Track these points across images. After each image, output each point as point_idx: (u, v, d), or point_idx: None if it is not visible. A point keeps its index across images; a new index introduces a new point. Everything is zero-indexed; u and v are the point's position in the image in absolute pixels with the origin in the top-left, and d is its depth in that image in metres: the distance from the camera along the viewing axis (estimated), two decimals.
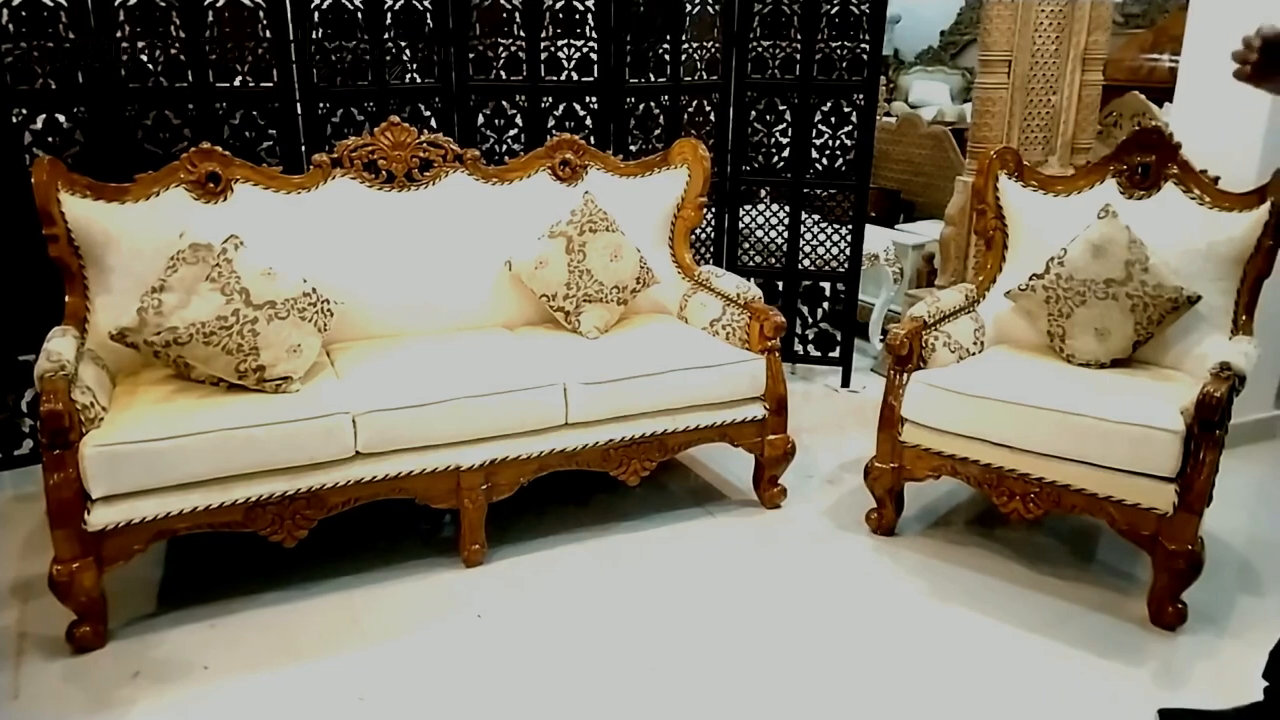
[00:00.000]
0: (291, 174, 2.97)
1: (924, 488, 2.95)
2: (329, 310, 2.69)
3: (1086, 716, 2.16)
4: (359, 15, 3.20)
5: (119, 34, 2.94)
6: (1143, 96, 4.97)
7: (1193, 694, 2.22)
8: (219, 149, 2.82)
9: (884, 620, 2.50)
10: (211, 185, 2.80)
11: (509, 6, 3.41)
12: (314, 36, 3.16)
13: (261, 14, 3.07)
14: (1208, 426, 2.30)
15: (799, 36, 3.75)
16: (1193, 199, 2.80)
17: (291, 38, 3.11)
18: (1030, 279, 2.85)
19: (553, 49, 3.51)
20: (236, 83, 3.14)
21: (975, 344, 2.92)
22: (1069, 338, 2.79)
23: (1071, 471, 2.46)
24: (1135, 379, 2.68)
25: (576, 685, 2.23)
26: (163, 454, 2.28)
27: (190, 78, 3.05)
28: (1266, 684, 1.98)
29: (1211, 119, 3.23)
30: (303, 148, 3.20)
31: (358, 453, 2.48)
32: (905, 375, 2.73)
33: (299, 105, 3.18)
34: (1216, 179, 2.81)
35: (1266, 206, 2.65)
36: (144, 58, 3.02)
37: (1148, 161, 2.86)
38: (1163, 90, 3.43)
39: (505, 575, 2.66)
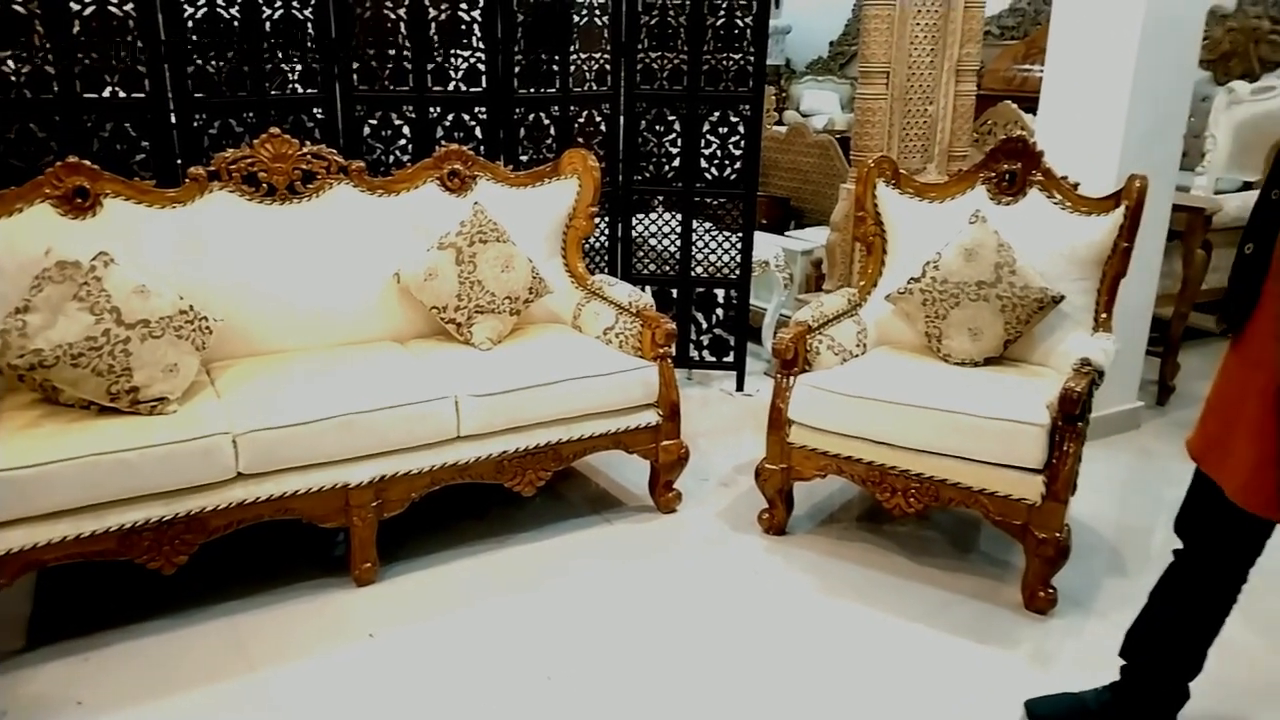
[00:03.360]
0: (166, 188, 2.88)
1: (814, 487, 3.03)
2: (207, 328, 2.61)
3: (964, 699, 2.25)
4: (235, 24, 3.12)
5: None
6: (1014, 106, 5.21)
7: (1062, 674, 2.34)
8: (87, 163, 2.71)
9: (774, 617, 2.56)
10: (79, 200, 2.69)
11: (393, 17, 3.37)
12: (188, 46, 3.06)
13: (131, 23, 2.96)
14: (1070, 419, 2.43)
15: (686, 48, 3.81)
16: (1055, 204, 2.95)
17: (164, 47, 3.01)
18: (908, 283, 2.96)
19: (439, 59, 3.48)
20: (106, 94, 3.02)
21: (858, 346, 3.02)
22: (945, 338, 2.91)
23: (948, 466, 2.57)
24: (1006, 376, 2.81)
25: (473, 701, 2.22)
26: (28, 482, 2.18)
27: (56, 89, 2.92)
28: (1124, 662, 2.10)
29: (1073, 127, 3.42)
30: (178, 161, 3.10)
31: (239, 474, 2.42)
32: (791, 378, 2.80)
33: (173, 116, 3.08)
34: (1077, 184, 2.97)
35: (1121, 210, 2.81)
36: (6, 68, 2.88)
37: (1014, 169, 3.00)
38: (1035, 99, 3.61)
39: (398, 593, 2.63)
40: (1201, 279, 4.09)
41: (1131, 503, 3.30)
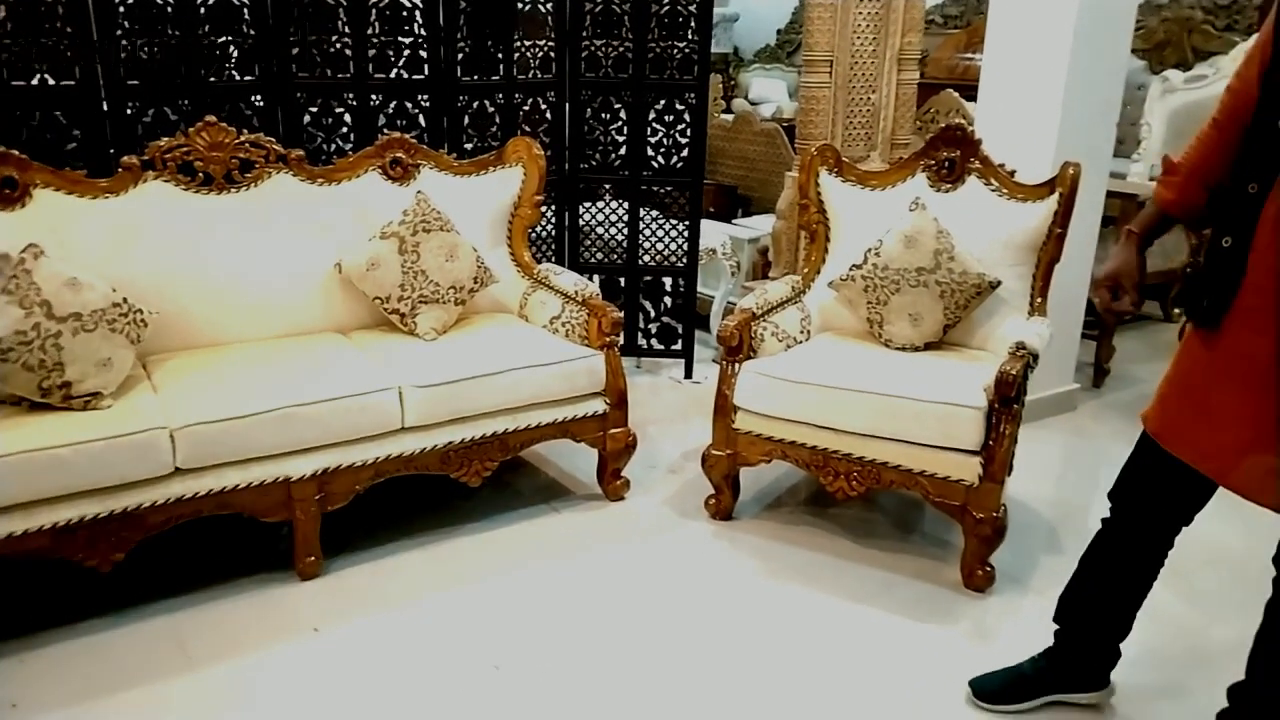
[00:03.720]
0: (99, 178, 2.81)
1: (760, 472, 3.07)
2: (143, 321, 2.56)
3: (906, 677, 2.30)
4: (169, 8, 3.05)
5: None
6: (956, 94, 5.28)
7: (1001, 649, 2.39)
8: (15, 152, 2.64)
9: (721, 602, 2.58)
10: (8, 191, 2.62)
11: (332, 2, 3.32)
12: (119, 31, 2.99)
13: (60, 8, 2.88)
14: (1006, 402, 2.48)
15: (630, 36, 3.81)
16: (993, 190, 3.01)
17: (95, 32, 2.93)
18: (850, 269, 3.00)
19: (380, 45, 3.44)
20: (35, 81, 2.93)
21: (802, 333, 3.05)
22: (886, 324, 2.95)
23: (888, 449, 2.61)
24: (946, 360, 2.86)
25: (420, 694, 2.21)
26: None
27: None
28: (1057, 628, 2.17)
29: (1010, 115, 3.49)
30: (111, 150, 3.03)
31: (177, 469, 2.38)
32: (736, 365, 2.82)
33: (105, 104, 3.01)
34: (1013, 172, 3.03)
35: (1056, 197, 2.88)
36: None
37: (953, 156, 3.05)
38: (977, 87, 3.68)
39: (343, 587, 2.60)
40: None
41: (1067, 482, 3.38)
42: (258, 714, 2.14)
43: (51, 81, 2.95)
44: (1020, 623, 2.51)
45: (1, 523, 2.19)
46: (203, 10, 3.11)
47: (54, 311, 2.38)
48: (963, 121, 3.19)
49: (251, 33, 3.20)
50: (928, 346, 2.94)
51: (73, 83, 2.96)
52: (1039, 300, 2.92)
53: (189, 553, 2.70)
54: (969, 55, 7.06)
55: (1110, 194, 3.84)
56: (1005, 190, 3.00)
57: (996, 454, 2.49)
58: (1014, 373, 2.46)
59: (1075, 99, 3.38)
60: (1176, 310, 5.06)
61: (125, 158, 2.84)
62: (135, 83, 3.06)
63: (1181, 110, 5.37)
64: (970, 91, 5.29)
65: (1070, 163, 2.88)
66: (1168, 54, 6.65)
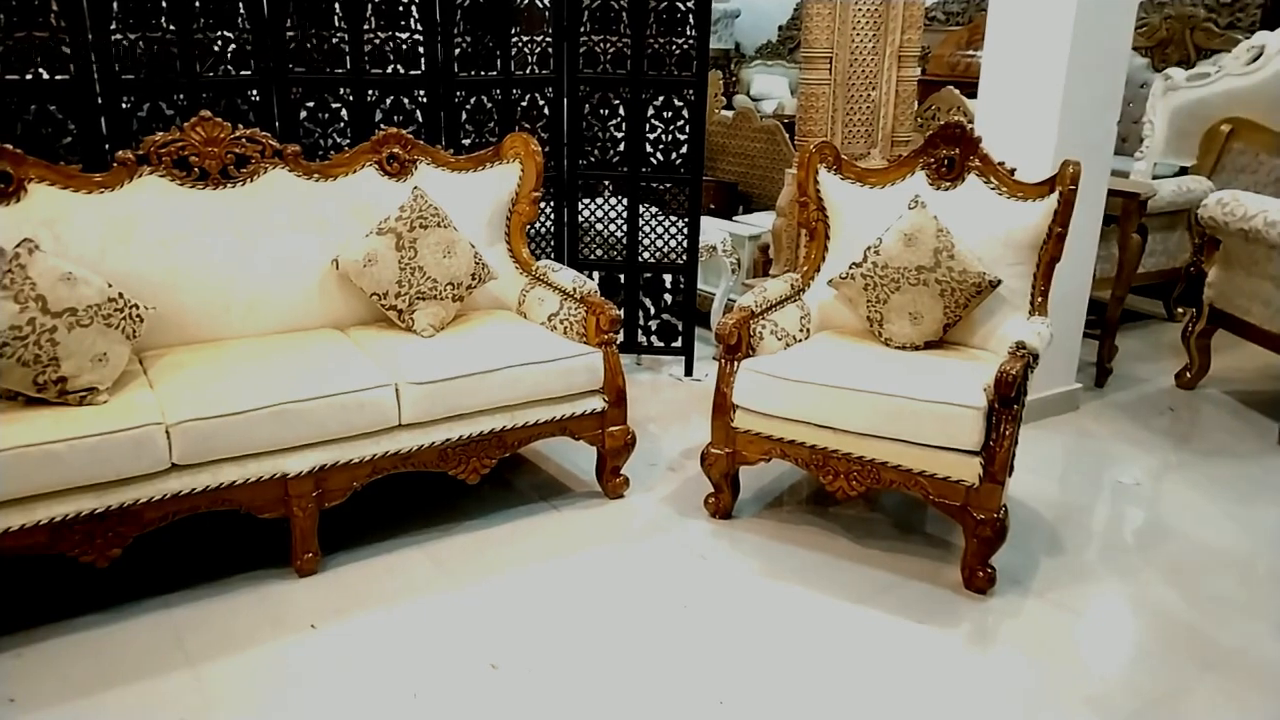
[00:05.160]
0: (93, 172, 2.80)
1: (761, 471, 3.05)
2: (139, 316, 2.55)
3: (903, 679, 2.28)
4: (163, 3, 3.03)
5: None
6: (956, 91, 5.27)
7: (1001, 652, 2.39)
8: (9, 146, 2.63)
9: (720, 601, 2.57)
10: (2, 185, 2.61)
11: None
12: (113, 25, 2.97)
13: (53, 2, 2.86)
14: (1006, 402, 2.47)
15: (629, 32, 3.79)
16: (992, 189, 2.99)
17: (89, 26, 2.92)
18: (850, 267, 2.99)
19: (377, 40, 3.42)
20: (29, 76, 2.92)
21: (801, 331, 3.04)
22: (886, 322, 2.94)
23: (888, 449, 2.60)
24: (945, 359, 2.85)
25: (417, 691, 2.20)
26: None
27: None
28: None
29: (1010, 112, 3.47)
30: (106, 145, 3.01)
31: (173, 465, 2.37)
32: (735, 363, 2.81)
33: (100, 99, 2.99)
34: (1013, 170, 3.01)
35: (1056, 195, 2.86)
36: None
37: (952, 154, 3.04)
38: (978, 84, 3.67)
39: (341, 583, 2.60)
40: (1137, 263, 4.18)
41: (1070, 482, 3.37)
42: (255, 710, 2.13)
43: (46, 75, 2.93)
44: (1021, 625, 2.50)
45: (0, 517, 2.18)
46: (197, 4, 3.09)
47: (49, 307, 2.37)
48: (962, 119, 3.17)
49: (247, 27, 3.18)
50: (928, 345, 2.93)
51: (67, 77, 2.94)
52: (1040, 299, 2.91)
53: (186, 549, 2.69)
54: (970, 52, 7.04)
55: (1112, 193, 3.82)
56: (1005, 188, 2.98)
57: (997, 454, 2.48)
58: (1014, 372, 2.45)
59: (1076, 96, 3.37)
60: (1179, 310, 5.05)
61: (120, 152, 2.82)
62: (130, 77, 3.04)
63: (1184, 108, 5.36)
64: (971, 89, 5.28)
65: (1070, 161, 2.86)
66: (1170, 51, 6.64)
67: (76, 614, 2.41)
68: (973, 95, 5.32)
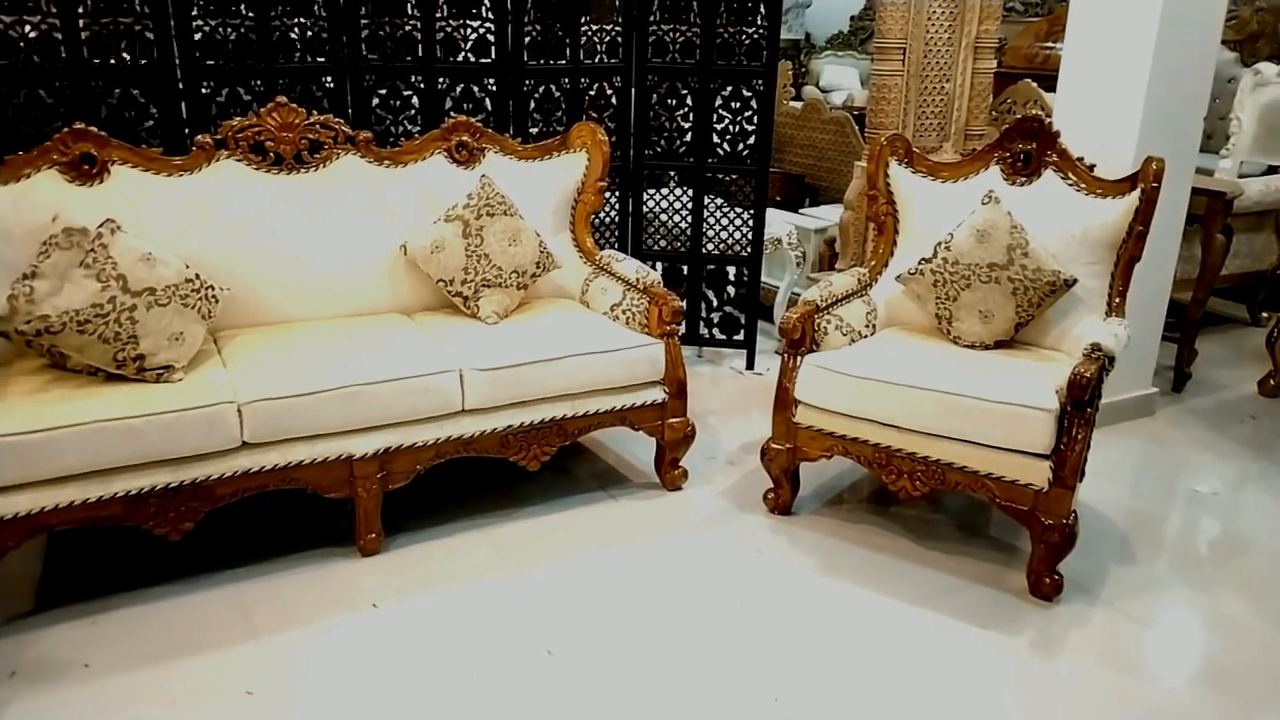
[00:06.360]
0: (173, 155, 2.87)
1: (822, 467, 3.02)
2: (214, 297, 2.61)
3: (964, 685, 2.24)
4: None
5: None
6: (1034, 84, 5.13)
7: (1066, 661, 2.33)
8: (94, 129, 2.72)
9: (777, 597, 2.55)
10: (86, 167, 2.69)
11: None
12: (194, 12, 3.04)
13: None
14: (1079, 405, 2.40)
15: (698, 21, 3.76)
16: (1070, 185, 2.90)
17: (172, 13, 2.99)
18: (919, 263, 2.93)
19: (449, 29, 3.45)
20: (114, 60, 3.01)
21: (867, 327, 2.99)
22: (955, 320, 2.88)
23: (954, 450, 2.54)
24: (1016, 360, 2.78)
25: (474, 672, 2.23)
26: (35, 447, 2.20)
27: (64, 54, 2.91)
28: None
29: (1091, 107, 3.37)
30: (186, 129, 3.09)
31: (244, 443, 2.42)
32: (798, 358, 2.78)
33: (181, 84, 3.07)
34: (1093, 166, 2.92)
35: (1137, 193, 2.76)
36: (13, 34, 2.87)
37: (1029, 149, 2.96)
38: (1057, 77, 3.56)
39: (402, 564, 2.64)
40: (1221, 264, 4.03)
41: (1143, 490, 3.27)
42: (318, 684, 2.18)
43: (130, 60, 3.02)
44: (1088, 634, 2.43)
45: (78, 489, 2.26)
46: None
47: (129, 286, 2.44)
48: (1040, 113, 3.08)
49: (323, 15, 3.24)
50: (997, 345, 2.86)
51: (150, 62, 3.02)
52: (1117, 300, 2.82)
53: (254, 526, 2.75)
54: (1049, 44, 6.85)
55: (1196, 191, 3.68)
56: (1084, 185, 2.89)
57: (1068, 458, 2.41)
58: (1088, 374, 2.38)
59: (1160, 91, 3.25)
60: (1264, 314, 4.86)
61: (199, 136, 2.90)
62: (211, 63, 3.11)
63: (1274, 104, 5.14)
64: (1049, 82, 5.15)
65: (1153, 157, 2.76)
66: (1260, 46, 6.37)
67: (148, 584, 2.49)
68: (1050, 88, 5.18)
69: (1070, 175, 2.91)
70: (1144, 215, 2.75)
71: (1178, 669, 2.37)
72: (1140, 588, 2.64)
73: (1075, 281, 2.79)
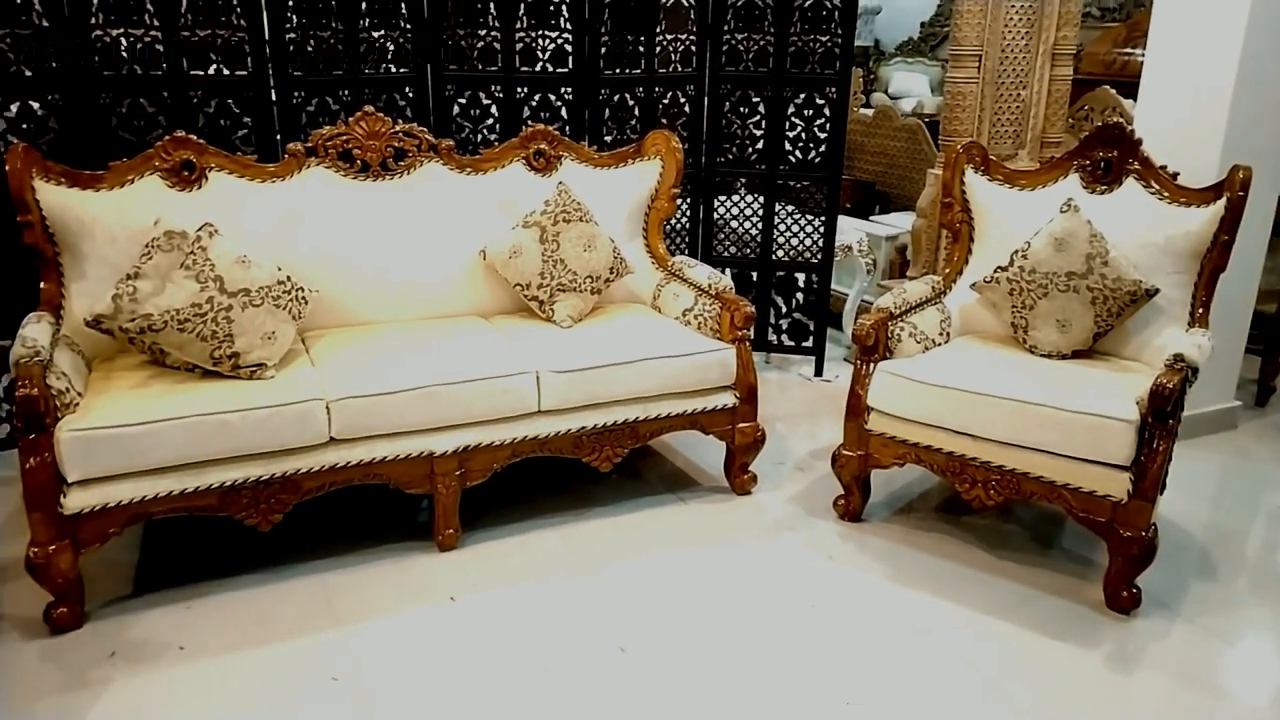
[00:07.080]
0: (266, 162, 2.99)
1: (893, 474, 3.02)
2: (304, 298, 2.71)
3: (1038, 696, 2.22)
4: (333, 4, 3.21)
5: (93, 21, 2.94)
6: (1113, 91, 5.03)
7: (1144, 676, 2.29)
8: (193, 137, 2.84)
9: (847, 603, 2.56)
10: (186, 173, 2.82)
11: None
12: (288, 25, 3.17)
13: (235, 3, 3.08)
14: (1160, 416, 2.36)
15: (772, 29, 3.79)
16: (1152, 194, 2.86)
17: (266, 26, 3.12)
18: (995, 271, 2.91)
19: (528, 40, 3.53)
20: (211, 71, 3.15)
21: (941, 335, 2.98)
22: (1031, 329, 2.85)
23: (1030, 459, 2.53)
24: (1094, 370, 2.74)
25: (548, 667, 2.28)
26: (137, 439, 2.31)
27: (165, 66, 3.06)
28: None
29: (1174, 114, 3.31)
30: (278, 137, 3.22)
31: (332, 439, 2.52)
32: (871, 365, 2.78)
33: (274, 94, 3.20)
34: (1175, 174, 2.87)
35: (1222, 202, 2.71)
36: (121, 42, 3.02)
37: (1110, 157, 2.92)
38: (1135, 84, 3.50)
39: (479, 559, 2.71)
40: None
41: (1224, 504, 3.19)
42: (398, 674, 2.25)
43: (226, 72, 3.15)
44: (1167, 649, 2.39)
45: (176, 479, 2.37)
46: (363, 5, 3.26)
47: (226, 287, 2.55)
48: (1121, 120, 3.04)
49: (408, 27, 3.34)
50: (1075, 355, 2.83)
51: (245, 73, 3.16)
52: (1200, 311, 2.77)
53: (338, 519, 2.85)
54: (1128, 50, 6.71)
55: None
56: (1166, 194, 2.85)
57: (1149, 470, 2.37)
58: (1171, 385, 2.34)
59: (1246, 97, 3.18)
60: None
61: (291, 145, 3.01)
62: (300, 74, 3.24)
63: None
64: (1128, 88, 5.05)
65: (1240, 166, 2.71)
66: None
67: (239, 573, 2.60)
68: (1129, 95, 5.08)
69: (1153, 183, 2.87)
70: (1229, 224, 2.70)
71: (1259, 688, 2.32)
72: (1221, 604, 2.58)
73: (1157, 291, 2.74)
